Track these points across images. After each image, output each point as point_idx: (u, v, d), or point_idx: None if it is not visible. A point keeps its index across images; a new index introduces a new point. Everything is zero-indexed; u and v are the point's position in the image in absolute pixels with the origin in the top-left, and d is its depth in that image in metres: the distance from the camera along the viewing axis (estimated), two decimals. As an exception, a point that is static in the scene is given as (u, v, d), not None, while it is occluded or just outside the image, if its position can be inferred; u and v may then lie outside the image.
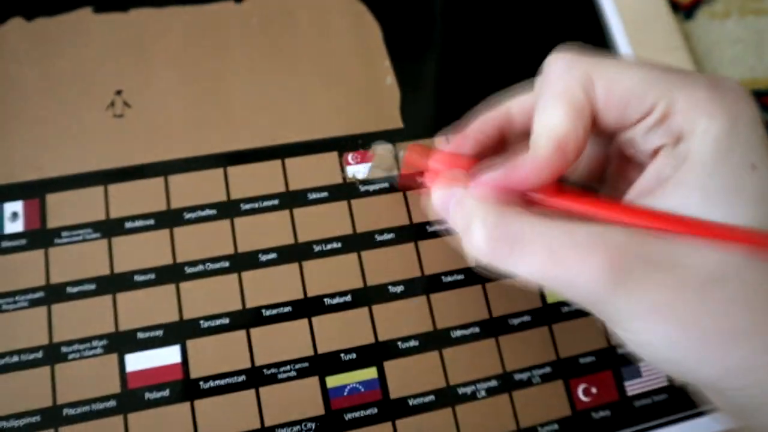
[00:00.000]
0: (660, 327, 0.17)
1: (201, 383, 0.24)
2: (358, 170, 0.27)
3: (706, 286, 0.16)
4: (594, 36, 0.33)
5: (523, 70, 0.31)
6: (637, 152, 0.20)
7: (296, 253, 0.26)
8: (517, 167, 0.19)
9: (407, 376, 0.25)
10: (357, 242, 0.26)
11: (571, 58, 0.19)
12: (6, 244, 0.25)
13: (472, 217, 0.19)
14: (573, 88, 0.18)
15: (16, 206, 0.26)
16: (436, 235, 0.27)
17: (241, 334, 0.25)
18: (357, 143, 0.28)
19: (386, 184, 0.27)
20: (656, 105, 0.18)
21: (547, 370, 0.26)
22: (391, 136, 0.28)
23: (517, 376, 0.26)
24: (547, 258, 0.17)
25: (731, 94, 0.17)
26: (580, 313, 0.27)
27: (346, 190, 0.27)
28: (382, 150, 0.27)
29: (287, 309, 0.25)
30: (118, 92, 0.27)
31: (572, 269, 0.17)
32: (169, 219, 0.26)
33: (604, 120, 0.19)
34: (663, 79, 0.18)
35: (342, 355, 0.25)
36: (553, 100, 0.19)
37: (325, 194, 0.27)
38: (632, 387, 0.27)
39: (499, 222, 0.18)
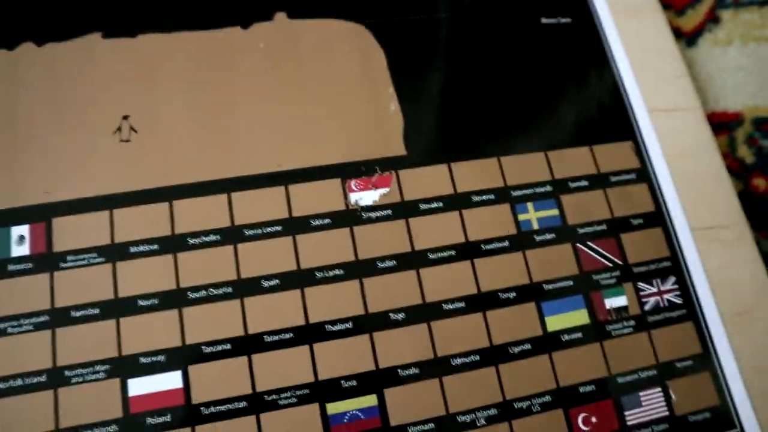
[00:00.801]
0: None
1: (202, 409, 0.24)
2: (360, 197, 0.28)
3: None
4: (598, 63, 0.33)
5: (526, 97, 0.31)
6: None
7: (298, 279, 0.26)
8: None
9: (407, 404, 0.25)
10: (359, 269, 0.27)
11: None
12: (12, 267, 0.25)
13: None
14: None
15: (22, 230, 0.26)
16: (437, 262, 0.27)
17: (243, 360, 0.25)
18: (360, 170, 0.28)
19: (389, 212, 0.28)
20: None
21: (547, 398, 0.26)
22: (394, 163, 0.28)
23: (517, 405, 0.26)
24: None
25: None
26: (581, 342, 0.27)
27: (348, 217, 0.27)
28: None
29: (288, 335, 0.25)
30: (125, 117, 0.28)
31: None
32: (173, 244, 0.26)
33: None
34: None
35: (342, 382, 0.25)
36: None
37: (327, 221, 0.27)
38: (632, 417, 0.27)
39: None
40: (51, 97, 0.28)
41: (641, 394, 0.27)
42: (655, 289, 0.29)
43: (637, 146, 0.31)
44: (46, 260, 0.25)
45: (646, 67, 0.33)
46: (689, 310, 0.29)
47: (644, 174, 0.31)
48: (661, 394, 0.27)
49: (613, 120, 0.32)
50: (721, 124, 0.35)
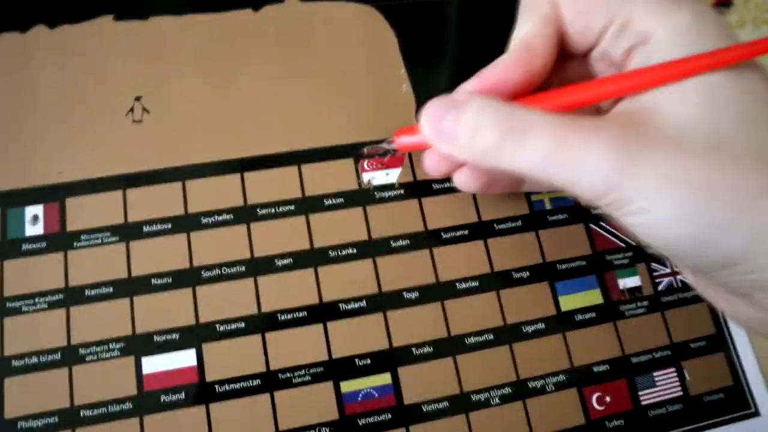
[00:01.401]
0: (677, 199, 0.17)
1: (216, 387, 0.24)
2: (373, 177, 0.28)
3: (710, 149, 0.17)
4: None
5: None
6: (613, 64, 0.20)
7: (312, 258, 0.26)
8: (489, 70, 0.21)
9: (421, 383, 0.25)
10: (372, 248, 0.27)
11: None
12: (27, 246, 0.25)
13: (480, 114, 0.19)
14: (541, 2, 0.20)
15: (36, 209, 0.26)
16: (451, 241, 0.27)
17: (257, 338, 0.25)
18: (372, 150, 0.28)
19: (402, 191, 0.28)
20: (617, 12, 0.19)
21: (561, 378, 0.26)
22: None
23: (531, 384, 0.26)
24: (553, 145, 0.17)
25: None
26: (594, 321, 0.27)
27: (361, 197, 0.27)
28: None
29: (302, 314, 0.25)
30: (138, 98, 0.28)
31: (577, 155, 0.17)
32: (187, 223, 0.26)
33: (574, 37, 0.20)
34: None
35: (356, 360, 0.25)
36: (524, 14, 0.21)
37: (340, 200, 0.27)
38: (646, 396, 0.27)
39: (510, 112, 0.19)
40: (64, 79, 0.28)
41: (655, 374, 0.27)
42: (668, 270, 0.29)
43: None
44: (60, 239, 0.26)
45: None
46: (703, 290, 0.28)
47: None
48: (675, 374, 0.27)
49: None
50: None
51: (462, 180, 0.24)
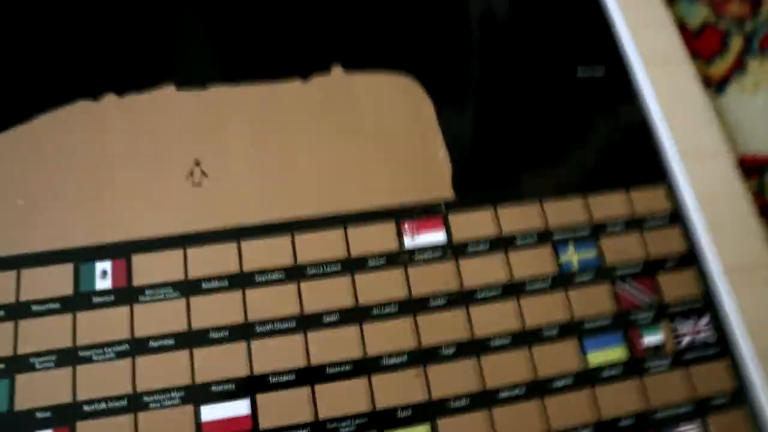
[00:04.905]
0: None
1: (268, 435, 0.26)
2: (413, 238, 0.30)
3: None
4: (630, 112, 0.35)
5: (565, 143, 0.33)
6: None
7: (356, 315, 0.28)
8: None
9: (458, 434, 0.27)
10: (412, 306, 0.29)
11: None
12: (97, 299, 0.28)
13: None
14: None
15: (105, 265, 0.28)
16: (485, 300, 0.29)
17: (306, 389, 0.27)
18: (412, 213, 0.30)
19: (440, 253, 0.30)
20: None
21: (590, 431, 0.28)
22: (444, 207, 0.31)
23: (561, 437, 0.27)
24: None
25: None
26: (620, 377, 0.29)
27: (402, 258, 0.29)
28: None
29: (348, 367, 0.27)
30: (197, 163, 0.30)
31: None
32: (242, 281, 0.28)
33: None
34: None
35: (398, 411, 0.27)
36: None
37: (383, 261, 0.29)
38: (671, 450, 0.28)
39: None
40: (130, 144, 0.31)
41: (679, 429, 0.28)
42: (690, 328, 0.30)
43: (670, 190, 0.33)
44: (126, 293, 0.28)
45: (677, 115, 0.35)
46: (724, 347, 0.30)
47: (677, 216, 0.32)
48: (699, 429, 0.28)
49: (646, 165, 0.34)
50: (752, 167, 0.36)
51: None
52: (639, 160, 0.34)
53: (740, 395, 0.29)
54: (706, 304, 0.31)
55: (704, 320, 0.30)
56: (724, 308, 0.31)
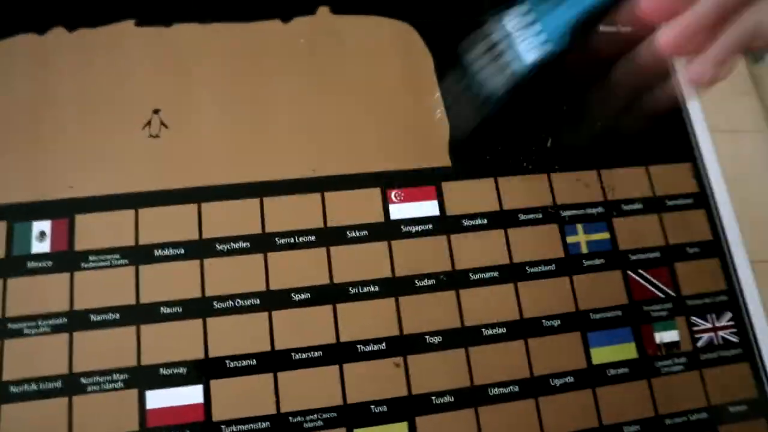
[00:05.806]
0: None
1: (223, 427, 0.23)
2: (400, 209, 0.26)
3: None
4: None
5: (579, 108, 0.29)
6: None
7: (331, 294, 0.25)
8: None
9: (439, 435, 0.24)
10: (395, 287, 0.25)
11: None
12: (32, 264, 0.24)
13: None
14: None
15: (44, 225, 0.25)
16: (479, 283, 0.25)
17: (268, 377, 0.24)
18: (401, 180, 0.26)
19: (430, 226, 0.26)
20: None
21: (589, 437, 0.24)
22: (437, 175, 0.27)
23: (556, 442, 0.24)
24: None
25: None
26: (627, 377, 0.25)
27: (386, 230, 0.26)
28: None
29: (318, 353, 0.24)
30: (156, 111, 0.26)
31: None
32: (200, 249, 0.25)
33: None
34: None
35: (372, 407, 0.24)
36: None
37: (365, 233, 0.25)
38: (679, 461, 0.25)
39: None
40: (80, 86, 0.26)
41: (690, 444, 0.25)
42: (709, 325, 0.27)
43: (696, 169, 0.29)
44: (66, 259, 0.24)
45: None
46: (746, 349, 0.27)
47: (702, 199, 0.29)
48: (712, 439, 0.25)
49: (671, 140, 0.30)
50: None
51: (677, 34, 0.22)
52: (663, 135, 0.30)
53: (760, 404, 0.26)
54: (728, 299, 0.27)
55: (726, 317, 0.27)
56: (749, 305, 0.27)
